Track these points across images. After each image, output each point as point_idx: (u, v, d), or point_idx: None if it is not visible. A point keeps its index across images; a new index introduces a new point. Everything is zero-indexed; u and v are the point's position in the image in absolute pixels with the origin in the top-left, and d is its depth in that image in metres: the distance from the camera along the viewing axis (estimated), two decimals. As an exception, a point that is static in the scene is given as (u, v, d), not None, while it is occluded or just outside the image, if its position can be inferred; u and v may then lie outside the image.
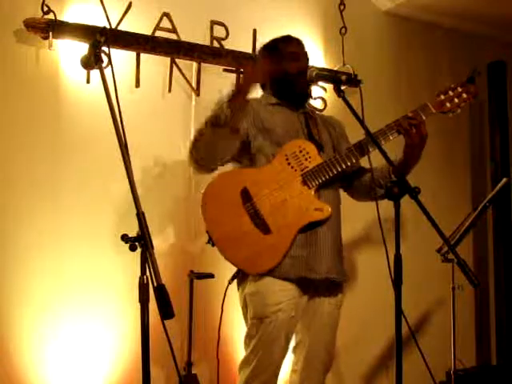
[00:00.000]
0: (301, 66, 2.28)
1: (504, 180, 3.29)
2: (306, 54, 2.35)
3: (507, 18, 3.88)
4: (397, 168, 2.19)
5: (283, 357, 2.20)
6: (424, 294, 3.68)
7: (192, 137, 2.20)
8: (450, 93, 2.23)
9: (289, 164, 2.18)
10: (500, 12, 3.83)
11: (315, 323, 2.25)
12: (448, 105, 2.22)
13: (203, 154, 2.15)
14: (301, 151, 2.19)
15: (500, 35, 4.13)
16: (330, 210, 2.17)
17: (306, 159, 2.18)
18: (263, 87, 2.41)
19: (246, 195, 2.15)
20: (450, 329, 3.21)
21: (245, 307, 2.23)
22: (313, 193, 2.17)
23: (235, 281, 2.26)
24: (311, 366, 2.27)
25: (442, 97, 2.23)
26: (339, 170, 2.18)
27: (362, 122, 2.04)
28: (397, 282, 1.96)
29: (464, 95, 2.24)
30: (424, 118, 2.19)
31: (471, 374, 3.62)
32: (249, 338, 2.18)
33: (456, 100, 2.23)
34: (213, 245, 2.16)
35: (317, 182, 2.17)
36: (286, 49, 2.31)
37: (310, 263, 2.15)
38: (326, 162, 2.18)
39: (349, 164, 2.19)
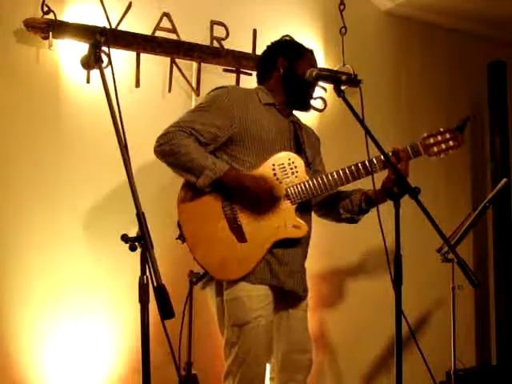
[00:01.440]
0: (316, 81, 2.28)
1: (504, 180, 3.29)
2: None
3: (507, 18, 3.87)
4: (370, 198, 2.22)
5: (266, 363, 2.18)
6: (424, 294, 3.68)
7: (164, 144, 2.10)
8: (439, 137, 2.23)
9: (274, 175, 2.14)
10: (500, 12, 3.83)
11: (286, 328, 2.23)
12: (435, 149, 2.22)
13: (164, 161, 2.13)
14: (289, 164, 2.16)
15: (500, 35, 4.13)
16: (307, 228, 2.15)
17: (293, 173, 2.15)
18: (261, 81, 2.35)
19: (226, 198, 2.11)
20: (450, 329, 3.20)
21: (221, 314, 2.16)
22: (294, 209, 2.15)
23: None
24: (288, 371, 2.24)
25: (432, 140, 2.22)
26: (324, 190, 2.16)
27: (362, 121, 2.04)
28: (397, 282, 1.96)
29: (450, 143, 2.23)
30: (412, 157, 2.20)
31: (471, 374, 3.62)
32: (229, 345, 2.11)
33: (443, 146, 2.23)
34: (183, 241, 2.12)
35: (300, 199, 2.15)
36: (311, 57, 2.31)
37: (282, 279, 2.13)
38: (312, 180, 2.16)
39: (334, 186, 2.18)
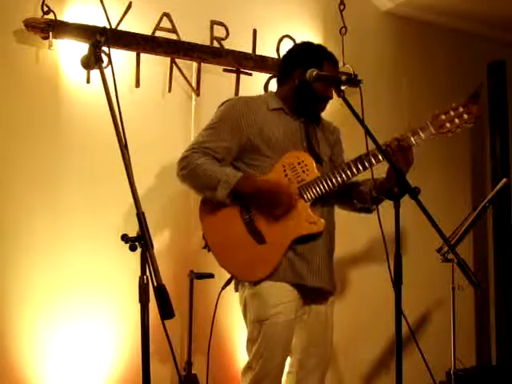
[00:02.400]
0: (331, 94, 2.25)
1: (504, 180, 3.29)
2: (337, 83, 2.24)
3: (507, 18, 3.87)
4: (380, 186, 2.21)
5: (285, 359, 2.21)
6: (424, 294, 3.68)
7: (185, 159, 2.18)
8: (451, 113, 2.18)
9: (286, 175, 2.18)
10: (500, 12, 3.83)
11: (310, 324, 2.25)
12: (448, 125, 2.18)
13: (187, 185, 2.22)
14: (299, 163, 2.19)
15: (500, 35, 4.13)
16: (323, 223, 2.17)
17: (304, 171, 2.18)
18: (279, 85, 2.35)
19: (243, 204, 2.17)
20: (449, 329, 3.21)
21: (245, 310, 2.23)
22: (308, 206, 2.17)
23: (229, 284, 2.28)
24: (307, 366, 2.26)
25: (443, 117, 2.18)
26: (336, 184, 2.18)
27: (361, 121, 2.04)
28: (397, 281, 1.96)
29: (465, 116, 2.18)
30: (423, 137, 2.18)
31: (471, 374, 3.62)
32: (250, 342, 2.18)
33: (456, 121, 2.18)
34: (209, 250, 2.20)
35: (313, 196, 2.17)
36: (328, 70, 2.23)
37: (301, 273, 2.16)
38: (323, 177, 2.18)
39: (345, 179, 2.19)
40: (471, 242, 4.03)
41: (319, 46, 2.33)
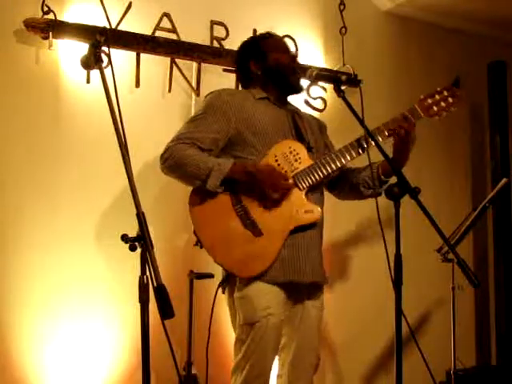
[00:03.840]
0: (290, 55, 2.31)
1: (504, 180, 3.29)
2: (288, 46, 2.38)
3: (507, 18, 3.88)
4: (387, 168, 2.21)
5: (273, 360, 2.18)
6: (424, 294, 3.68)
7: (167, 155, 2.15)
8: (437, 96, 2.25)
9: (278, 165, 2.16)
10: (500, 12, 3.83)
11: (302, 326, 2.23)
12: (435, 108, 2.24)
13: (173, 177, 2.19)
14: (291, 152, 2.17)
15: (500, 35, 4.13)
16: (320, 212, 2.16)
17: (296, 160, 2.17)
18: (246, 84, 2.38)
19: (235, 196, 2.14)
20: (450, 329, 3.21)
21: (233, 312, 2.19)
22: (303, 194, 2.16)
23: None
24: (299, 368, 2.24)
25: (430, 100, 2.24)
26: (330, 171, 2.17)
27: (361, 121, 2.04)
28: (397, 281, 1.96)
29: (450, 99, 2.24)
30: (413, 121, 2.21)
31: (471, 374, 3.62)
32: (239, 342, 2.14)
33: (442, 104, 2.24)
34: (201, 247, 2.14)
35: (308, 184, 2.16)
36: (269, 43, 2.31)
37: (298, 266, 2.13)
38: (317, 163, 2.17)
39: (339, 165, 2.18)
40: (471, 242, 4.03)
41: (255, 36, 2.43)
